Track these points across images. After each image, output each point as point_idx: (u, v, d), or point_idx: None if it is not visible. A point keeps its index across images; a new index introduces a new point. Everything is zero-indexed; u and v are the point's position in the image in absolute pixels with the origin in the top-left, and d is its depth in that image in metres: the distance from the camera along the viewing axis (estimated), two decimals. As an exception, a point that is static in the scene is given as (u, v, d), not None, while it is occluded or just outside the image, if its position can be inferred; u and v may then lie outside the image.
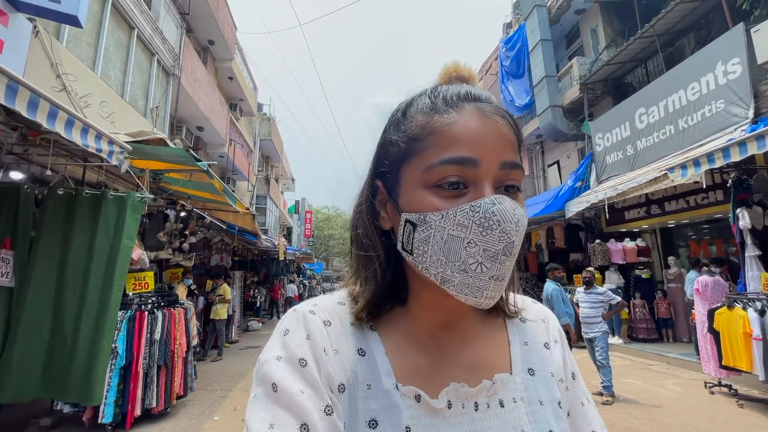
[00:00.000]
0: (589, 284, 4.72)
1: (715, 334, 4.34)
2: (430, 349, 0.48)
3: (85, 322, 3.52)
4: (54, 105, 2.79)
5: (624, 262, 8.04)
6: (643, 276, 7.90)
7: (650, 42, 7.97)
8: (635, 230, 8.53)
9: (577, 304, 4.83)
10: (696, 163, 4.43)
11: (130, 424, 3.70)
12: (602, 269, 8.25)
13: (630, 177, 6.91)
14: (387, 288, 0.48)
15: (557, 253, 10.09)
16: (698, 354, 5.07)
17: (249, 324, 11.19)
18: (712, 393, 4.63)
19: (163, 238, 6.03)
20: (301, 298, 19.14)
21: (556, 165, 12.26)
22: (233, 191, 9.21)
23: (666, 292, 7.53)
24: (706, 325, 4.52)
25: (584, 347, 4.80)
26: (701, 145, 6.03)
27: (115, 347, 3.67)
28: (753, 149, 3.81)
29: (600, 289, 4.69)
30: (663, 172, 5.32)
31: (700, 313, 4.86)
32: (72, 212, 3.73)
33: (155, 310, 4.12)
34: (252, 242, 10.23)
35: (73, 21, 3.94)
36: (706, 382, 4.79)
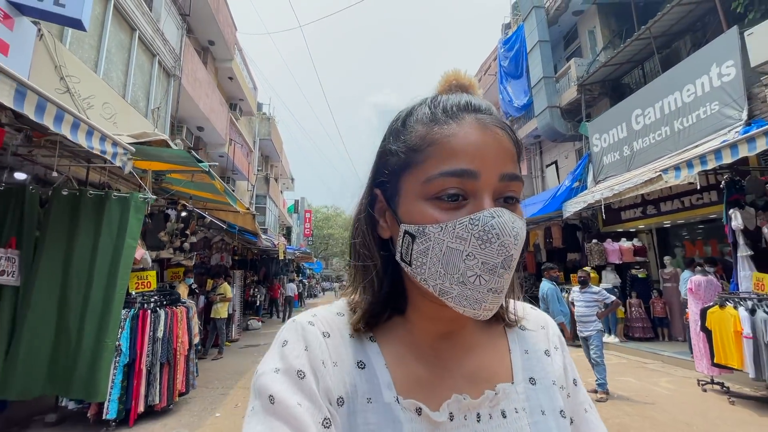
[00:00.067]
0: (584, 284, 4.80)
1: (708, 333, 4.42)
2: (430, 359, 0.47)
3: (90, 320, 3.59)
4: (60, 108, 2.86)
5: (620, 262, 8.13)
6: (640, 275, 7.99)
7: (647, 44, 8.05)
8: (632, 230, 8.61)
9: (572, 304, 4.92)
10: (689, 164, 4.51)
11: (134, 420, 3.78)
12: (599, 269, 8.35)
13: (626, 177, 6.99)
14: (385, 298, 0.48)
15: (555, 253, 10.18)
16: (692, 352, 5.16)
17: (249, 323, 11.27)
18: (705, 390, 4.72)
19: (164, 238, 6.09)
20: (300, 297, 19.22)
21: (554, 165, 12.34)
22: (233, 191, 9.28)
23: (662, 291, 7.62)
24: (699, 323, 4.60)
25: (579, 346, 4.89)
26: (696, 147, 6.12)
27: (119, 345, 3.74)
28: (744, 151, 3.89)
29: (595, 289, 4.77)
30: (657, 174, 5.40)
31: (693, 312, 4.95)
32: (76, 213, 3.80)
33: (158, 308, 4.19)
34: (252, 242, 10.30)
35: (77, 24, 4.01)
36: (699, 380, 4.87)
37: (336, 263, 46.57)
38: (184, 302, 4.74)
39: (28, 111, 2.59)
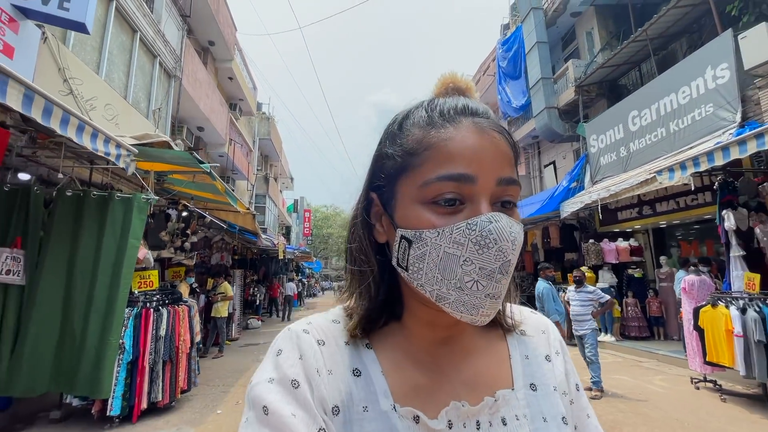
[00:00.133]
0: (579, 283, 4.88)
1: (700, 332, 4.50)
2: (428, 366, 0.47)
3: (94, 318, 3.66)
4: (66, 111, 2.92)
5: (617, 262, 8.22)
6: (636, 275, 8.08)
7: (643, 45, 8.13)
8: (628, 230, 8.70)
9: (568, 303, 5.00)
10: (682, 166, 4.59)
11: (137, 416, 3.86)
12: (596, 268, 8.43)
13: (623, 178, 7.07)
14: (381, 303, 0.48)
15: (553, 253, 10.27)
16: (686, 351, 5.24)
17: (249, 322, 11.35)
18: (698, 388, 4.80)
19: (165, 238, 6.16)
20: (299, 296, 19.30)
21: (552, 165, 12.42)
22: (233, 190, 9.35)
23: (657, 291, 7.70)
24: (692, 322, 4.68)
25: (575, 344, 4.97)
26: (691, 148, 6.19)
27: (123, 343, 3.81)
28: (735, 154, 3.97)
29: (590, 288, 4.85)
30: (652, 175, 5.48)
31: (686, 311, 5.03)
32: (80, 213, 3.87)
33: (160, 307, 4.27)
34: (252, 241, 10.37)
35: (81, 28, 4.07)
36: (692, 378, 4.96)
37: (335, 262, 46.64)
38: (186, 301, 4.81)
39: (36, 115, 2.66)
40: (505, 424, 0.44)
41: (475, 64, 16.98)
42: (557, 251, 10.08)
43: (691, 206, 6.73)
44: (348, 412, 0.41)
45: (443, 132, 0.42)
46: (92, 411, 3.79)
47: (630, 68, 9.24)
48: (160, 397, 4.01)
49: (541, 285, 4.88)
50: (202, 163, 4.45)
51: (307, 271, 29.97)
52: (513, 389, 0.48)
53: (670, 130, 6.84)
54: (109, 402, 3.69)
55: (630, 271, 8.15)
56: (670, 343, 7.08)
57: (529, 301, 6.47)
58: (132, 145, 3.92)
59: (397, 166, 0.44)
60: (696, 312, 4.60)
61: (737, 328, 4.00)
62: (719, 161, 4.16)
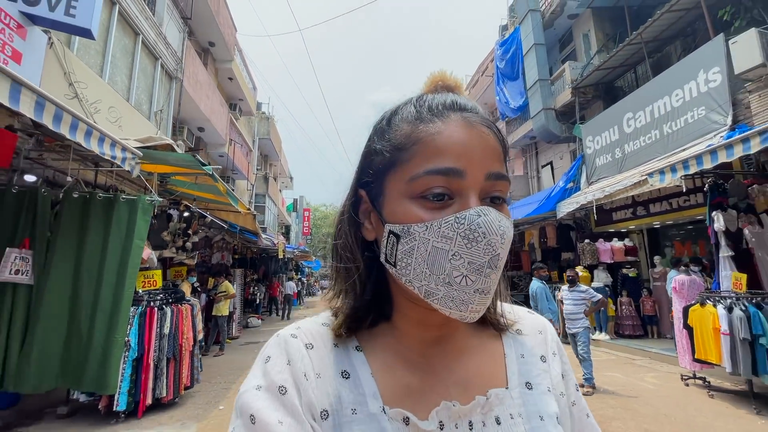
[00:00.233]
0: (572, 283, 5.01)
1: (689, 330, 4.63)
2: (420, 366, 0.46)
3: (100, 317, 3.78)
4: (75, 117, 3.03)
5: (612, 261, 8.35)
6: (630, 275, 8.21)
7: (639, 48, 8.25)
8: (623, 230, 8.83)
9: (561, 302, 5.12)
10: (673, 169, 4.71)
11: (142, 412, 3.97)
12: (591, 268, 8.56)
13: (617, 179, 7.20)
14: (367, 302, 0.47)
15: (549, 252, 10.40)
16: (677, 349, 5.37)
17: (249, 321, 11.47)
18: (687, 385, 4.94)
19: (167, 237, 6.27)
20: (299, 295, 19.42)
21: (549, 166, 12.54)
22: (233, 190, 9.45)
23: (651, 290, 7.84)
24: (682, 321, 4.81)
25: (568, 342, 5.10)
26: (684, 150, 6.32)
27: (128, 340, 3.93)
28: (723, 157, 4.09)
29: (582, 287, 4.98)
30: (644, 177, 5.60)
31: (676, 309, 5.16)
32: (86, 214, 3.97)
33: (164, 306, 4.38)
34: (252, 241, 10.48)
35: (86, 33, 4.17)
36: (682, 375, 5.09)
37: (334, 261, 46.67)
38: (189, 300, 4.92)
39: (47, 121, 2.77)
40: (499, 423, 0.44)
41: (475, 64, 17.08)
42: (554, 251, 10.21)
43: (684, 207, 6.85)
44: (337, 415, 0.41)
45: (432, 126, 0.42)
46: (99, 406, 3.90)
47: (626, 70, 9.37)
48: (164, 393, 4.13)
49: (535, 284, 5.01)
50: (204, 165, 4.56)
51: (307, 270, 30.09)
52: (507, 388, 0.47)
53: (664, 132, 6.97)
54: (116, 398, 3.80)
55: (625, 270, 8.29)
56: (663, 342, 7.21)
57: (526, 300, 6.60)
58: (136, 147, 4.04)
59: (385, 161, 0.44)
60: (685, 311, 4.73)
61: (724, 327, 4.13)
62: (707, 164, 4.28)
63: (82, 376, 3.65)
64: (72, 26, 4.06)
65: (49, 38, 4.34)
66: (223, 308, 7.64)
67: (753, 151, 3.85)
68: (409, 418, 0.41)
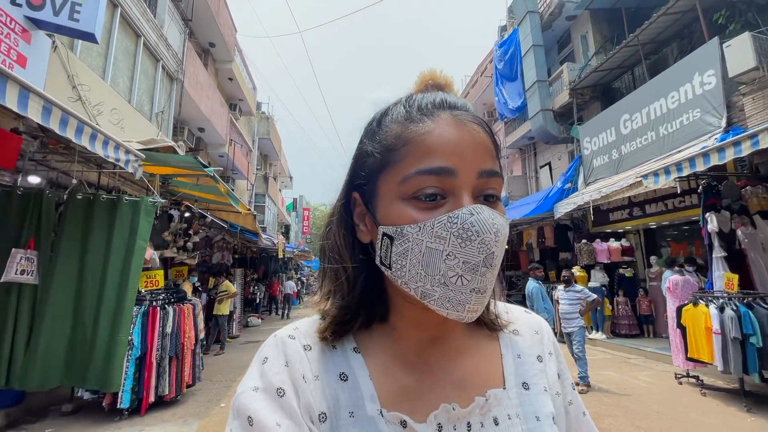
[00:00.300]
0: (568, 283, 5.09)
1: (683, 329, 4.72)
2: (417, 367, 0.46)
3: (104, 316, 3.85)
4: (81, 121, 3.11)
5: (609, 261, 8.43)
6: (627, 275, 8.30)
7: (636, 50, 8.32)
8: (620, 231, 8.91)
9: (557, 301, 5.21)
10: (666, 171, 4.80)
11: (145, 409, 4.05)
12: (588, 268, 8.65)
13: (614, 180, 7.28)
14: (356, 304, 0.47)
15: (547, 252, 10.48)
16: (671, 348, 5.46)
17: (249, 320, 11.56)
18: (680, 383, 5.02)
19: (168, 238, 6.34)
20: (299, 294, 19.50)
21: (547, 166, 12.62)
22: (233, 190, 9.53)
23: (647, 290, 7.92)
24: (676, 320, 4.90)
25: (563, 341, 5.18)
26: (679, 152, 6.40)
27: (131, 339, 4.01)
28: (715, 160, 4.17)
29: (577, 288, 5.06)
30: (638, 179, 5.68)
31: (670, 309, 5.24)
32: (90, 215, 4.05)
33: (166, 306, 4.45)
34: (252, 240, 10.55)
35: (90, 37, 4.24)
36: (676, 374, 5.17)
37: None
38: (190, 300, 5.00)
39: (54, 125, 2.84)
40: (497, 425, 0.44)
41: (474, 64, 17.15)
42: (552, 251, 10.30)
43: (679, 208, 6.94)
44: (335, 418, 0.41)
45: (421, 126, 0.42)
46: (103, 404, 3.98)
47: (623, 72, 9.44)
48: (166, 391, 4.21)
49: (531, 284, 5.09)
50: (206, 167, 4.63)
51: (306, 269, 30.17)
52: (504, 388, 0.47)
53: (660, 133, 7.05)
54: (119, 395, 3.88)
55: (621, 270, 8.37)
56: (658, 341, 7.30)
57: (525, 299, 6.68)
58: (139, 150, 4.11)
59: (377, 163, 0.44)
60: (679, 310, 4.81)
61: (715, 326, 4.21)
62: (700, 167, 4.37)
63: (86, 374, 3.73)
64: (76, 30, 4.13)
65: (53, 42, 4.41)
66: (223, 307, 7.72)
67: (744, 154, 3.94)
68: (406, 422, 0.41)
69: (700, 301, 4.56)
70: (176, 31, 8.32)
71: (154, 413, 4.11)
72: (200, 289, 7.62)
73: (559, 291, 5.17)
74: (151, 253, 4.59)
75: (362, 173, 0.46)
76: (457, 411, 0.43)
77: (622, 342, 7.43)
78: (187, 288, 6.25)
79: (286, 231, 25.47)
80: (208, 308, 7.89)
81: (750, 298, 4.24)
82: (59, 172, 4.70)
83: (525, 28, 11.52)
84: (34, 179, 4.46)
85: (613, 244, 8.47)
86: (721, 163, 4.15)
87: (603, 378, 5.29)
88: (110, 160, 3.53)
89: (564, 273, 5.24)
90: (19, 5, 3.88)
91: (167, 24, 7.73)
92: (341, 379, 0.43)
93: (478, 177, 0.41)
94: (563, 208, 8.30)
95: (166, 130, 7.76)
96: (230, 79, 13.20)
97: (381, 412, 0.41)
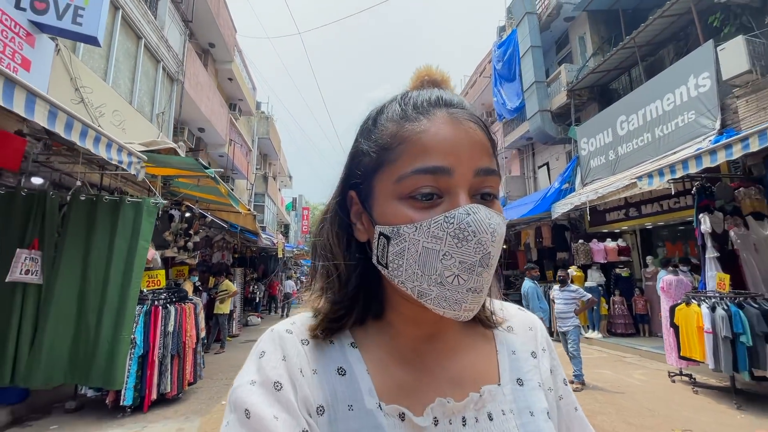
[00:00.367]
0: (563, 283, 5.18)
1: (676, 328, 4.80)
2: (413, 364, 0.46)
3: (107, 315, 3.92)
4: (85, 125, 3.18)
5: (605, 261, 8.51)
6: (623, 274, 8.39)
7: (632, 52, 8.40)
8: (616, 231, 8.99)
9: (553, 301, 5.29)
10: (660, 173, 4.88)
11: (148, 406, 4.13)
12: (585, 268, 8.73)
13: (611, 181, 7.36)
14: (349, 301, 0.47)
15: (545, 252, 10.57)
16: (665, 347, 5.54)
17: (248, 319, 11.63)
18: (674, 381, 5.11)
19: (169, 237, 6.42)
20: (298, 293, 19.54)
21: (545, 167, 12.70)
22: (232, 189, 9.60)
23: (643, 289, 8.01)
24: (669, 320, 4.98)
25: (558, 340, 5.27)
26: (674, 153, 6.48)
27: (134, 338, 4.08)
28: (707, 162, 4.25)
29: (572, 287, 5.14)
30: (633, 181, 5.76)
31: (664, 309, 5.33)
32: (93, 216, 4.11)
33: (168, 305, 4.52)
34: (252, 240, 10.62)
35: (92, 41, 4.30)
36: (669, 372, 5.26)
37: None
38: (192, 299, 5.07)
39: (59, 129, 2.91)
40: (491, 420, 0.44)
41: (473, 64, 17.23)
42: (550, 250, 10.38)
43: (674, 209, 7.02)
44: (333, 411, 0.41)
45: (417, 125, 0.41)
46: (106, 401, 4.06)
47: (620, 74, 9.52)
48: (168, 389, 4.28)
49: (527, 284, 5.17)
50: (207, 168, 4.70)
51: (306, 268, 30.21)
52: (499, 384, 0.47)
53: (656, 135, 7.13)
54: (122, 393, 3.95)
55: (618, 270, 8.46)
56: (653, 340, 7.38)
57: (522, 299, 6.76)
58: (141, 151, 4.18)
59: (372, 162, 0.44)
60: (672, 310, 4.89)
61: (707, 325, 4.29)
62: (693, 169, 4.45)
63: (89, 372, 3.80)
64: (79, 34, 4.20)
65: (56, 45, 4.48)
66: (224, 306, 7.79)
67: (734, 157, 4.02)
68: (404, 414, 0.42)
69: (693, 300, 4.64)
70: (177, 32, 8.38)
71: (157, 410, 4.19)
72: (200, 288, 7.69)
73: (555, 291, 5.25)
74: (153, 254, 4.67)
75: (358, 172, 0.46)
76: (451, 404, 0.43)
77: (618, 341, 7.52)
78: (188, 287, 6.32)
79: (285, 230, 25.54)
80: (209, 307, 7.96)
81: (741, 298, 4.32)
82: (62, 173, 4.76)
83: (523, 29, 11.58)
84: (37, 180, 4.52)
85: (610, 244, 8.55)
86: (712, 165, 4.23)
87: (598, 376, 5.37)
88: (113, 162, 3.60)
89: (559, 273, 5.33)
90: (24, 9, 3.94)
91: (168, 25, 7.79)
92: (339, 373, 0.44)
93: (475, 175, 0.41)
94: (560, 209, 8.38)
95: (167, 131, 7.82)
96: (230, 79, 13.26)
97: (380, 405, 0.42)
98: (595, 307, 7.93)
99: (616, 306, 8.08)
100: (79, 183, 3.93)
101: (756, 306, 4.16)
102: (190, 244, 6.82)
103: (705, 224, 5.13)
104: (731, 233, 5.18)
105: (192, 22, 9.01)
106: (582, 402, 4.20)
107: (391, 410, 0.42)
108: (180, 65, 8.35)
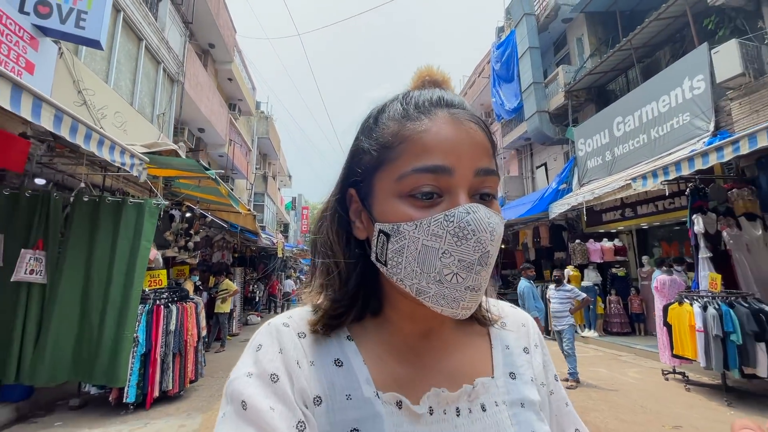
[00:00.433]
0: (558, 282, 5.26)
1: (669, 327, 4.89)
2: (409, 358, 0.47)
3: (110, 314, 4.00)
4: (89, 128, 3.25)
5: (602, 261, 8.60)
6: (619, 274, 8.48)
7: (629, 54, 8.47)
8: (613, 231, 9.08)
9: (548, 300, 5.38)
10: (654, 174, 4.96)
11: (150, 403, 4.20)
12: (582, 267, 8.82)
13: (607, 182, 7.44)
14: (350, 298, 0.47)
15: (542, 252, 10.66)
16: (659, 345, 5.63)
17: (248, 318, 11.71)
18: (667, 379, 5.20)
19: (170, 237, 6.49)
20: (297, 292, 19.61)
21: (543, 167, 12.78)
22: (232, 189, 9.67)
23: (639, 289, 8.10)
24: (662, 319, 5.07)
25: (554, 339, 5.35)
26: (670, 154, 6.56)
27: (136, 337, 4.15)
28: (699, 164, 4.34)
29: (567, 287, 5.23)
30: (628, 182, 5.84)
31: (657, 308, 5.41)
32: (96, 217, 4.19)
33: (169, 304, 4.60)
34: (252, 240, 10.70)
35: (95, 44, 4.37)
36: (663, 370, 5.35)
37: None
38: (193, 298, 5.14)
39: (65, 133, 2.98)
40: (484, 411, 0.45)
41: (472, 65, 17.27)
42: (547, 250, 10.47)
43: (669, 209, 7.10)
44: (331, 401, 0.42)
45: (418, 124, 0.42)
46: (109, 398, 4.13)
47: (617, 75, 9.59)
48: (170, 387, 4.36)
49: (523, 284, 5.26)
50: (207, 169, 4.78)
51: (305, 268, 30.29)
52: (493, 377, 0.49)
53: (651, 136, 7.22)
54: (125, 390, 4.02)
55: (614, 270, 8.55)
56: (648, 339, 7.47)
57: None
58: (142, 153, 4.25)
59: (373, 160, 0.44)
60: (665, 309, 4.98)
61: (699, 324, 4.38)
62: (685, 171, 4.53)
63: (93, 369, 3.87)
64: (82, 38, 4.26)
65: (59, 48, 4.54)
66: (224, 306, 7.86)
67: (726, 159, 4.10)
68: (402, 402, 0.42)
69: (685, 300, 4.72)
70: (177, 33, 8.44)
71: (159, 407, 4.26)
72: (201, 287, 7.76)
73: (550, 290, 5.34)
74: (154, 254, 4.74)
75: (358, 170, 0.46)
76: (446, 394, 0.44)
77: (614, 340, 7.61)
78: (189, 287, 6.40)
79: (285, 230, 25.60)
80: (209, 306, 8.03)
81: (732, 298, 4.41)
82: (66, 174, 4.83)
83: (522, 30, 11.65)
84: (41, 182, 4.59)
85: (606, 244, 8.64)
86: (705, 167, 4.32)
87: (593, 374, 5.46)
88: (116, 164, 3.67)
89: (555, 273, 5.41)
90: (27, 14, 4.01)
91: (168, 27, 7.85)
92: (336, 365, 0.44)
93: (475, 175, 0.41)
94: (558, 209, 8.46)
95: (167, 132, 7.89)
96: (230, 79, 13.32)
97: (377, 393, 0.42)
98: (591, 306, 8.02)
99: (612, 305, 8.17)
100: (82, 184, 3.99)
101: (746, 305, 4.25)
102: (190, 244, 6.90)
103: (698, 225, 5.21)
104: (724, 234, 5.27)
105: (192, 23, 9.07)
106: (576, 399, 4.30)
107: (389, 398, 0.42)
108: (180, 66, 8.41)
